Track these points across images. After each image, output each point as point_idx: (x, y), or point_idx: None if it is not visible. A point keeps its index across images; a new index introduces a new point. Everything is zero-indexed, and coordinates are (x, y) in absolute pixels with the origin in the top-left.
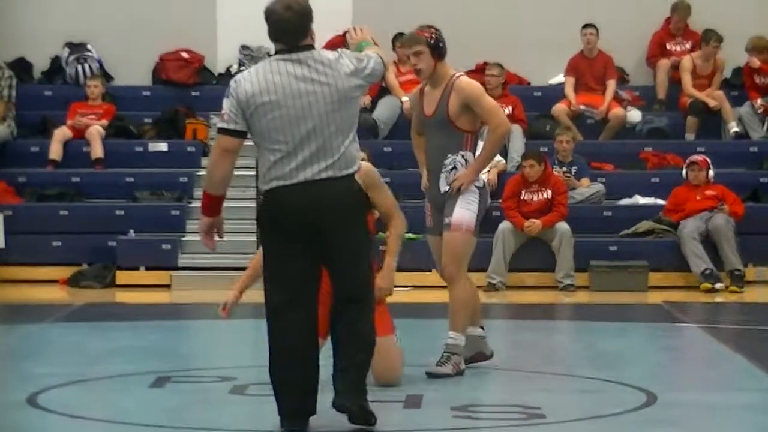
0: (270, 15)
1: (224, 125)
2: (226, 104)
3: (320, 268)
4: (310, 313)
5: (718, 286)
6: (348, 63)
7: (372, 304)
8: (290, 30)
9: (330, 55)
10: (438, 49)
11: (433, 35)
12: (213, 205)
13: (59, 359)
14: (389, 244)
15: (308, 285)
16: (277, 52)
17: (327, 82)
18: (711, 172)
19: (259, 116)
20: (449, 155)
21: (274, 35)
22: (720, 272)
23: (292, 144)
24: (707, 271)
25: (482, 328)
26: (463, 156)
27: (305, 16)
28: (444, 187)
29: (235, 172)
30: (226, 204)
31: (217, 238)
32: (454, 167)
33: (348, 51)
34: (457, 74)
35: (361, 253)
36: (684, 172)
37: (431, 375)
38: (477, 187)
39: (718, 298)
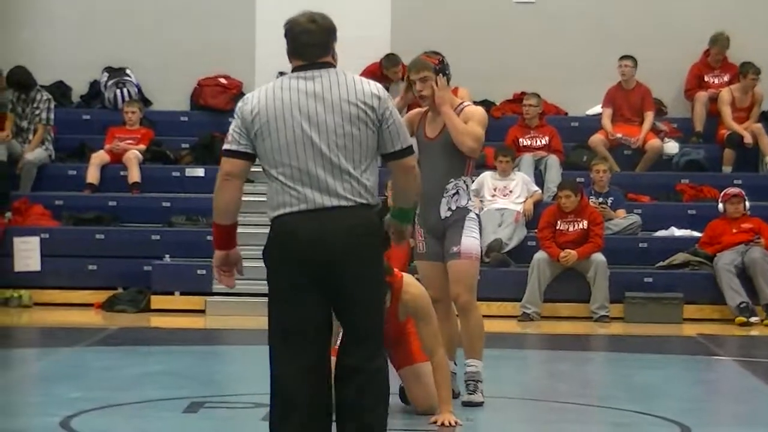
0: (292, 26)
1: (227, 146)
2: (232, 125)
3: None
4: (320, 361)
5: (753, 319)
6: (374, 96)
7: (382, 346)
8: (311, 43)
9: (356, 84)
10: (444, 76)
11: (440, 61)
12: (222, 237)
13: (93, 383)
14: (436, 384)
15: (318, 328)
16: (293, 70)
17: (338, 101)
18: (747, 204)
19: (264, 136)
20: (452, 180)
21: (293, 49)
22: (756, 306)
23: (297, 167)
24: (743, 305)
25: (455, 364)
26: (464, 181)
27: (329, 31)
28: (445, 213)
29: (266, 198)
30: (259, 230)
31: (236, 275)
32: (457, 192)
33: (386, 95)
34: (465, 103)
35: (373, 291)
36: (720, 205)
37: (468, 404)
38: (476, 213)
39: (754, 332)
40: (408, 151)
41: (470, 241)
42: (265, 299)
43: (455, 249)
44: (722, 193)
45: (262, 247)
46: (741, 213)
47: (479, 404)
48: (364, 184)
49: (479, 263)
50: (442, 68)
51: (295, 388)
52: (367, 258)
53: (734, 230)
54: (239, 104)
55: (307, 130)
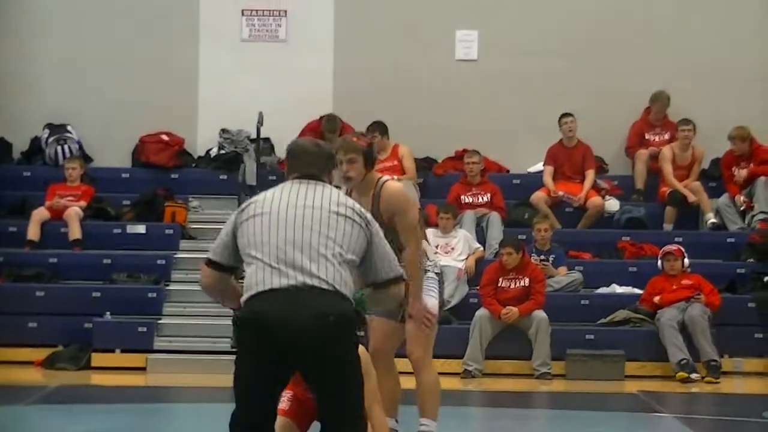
0: (295, 147)
1: (209, 255)
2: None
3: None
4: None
5: (694, 376)
6: (362, 210)
7: (362, 424)
8: (314, 163)
9: (347, 198)
10: (371, 159)
11: (369, 144)
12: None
13: None
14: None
15: (272, 401)
16: (293, 179)
17: (327, 202)
18: (686, 261)
19: (246, 227)
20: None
21: (294, 166)
22: (696, 363)
23: (276, 249)
24: (683, 361)
25: (397, 421)
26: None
27: (330, 158)
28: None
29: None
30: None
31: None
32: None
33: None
34: (384, 178)
35: (346, 379)
36: (659, 262)
37: None
38: (435, 273)
39: (695, 389)
40: (398, 281)
41: (427, 299)
42: (206, 357)
43: (411, 310)
44: (661, 251)
45: (210, 306)
46: (679, 270)
47: None
48: (330, 274)
49: (435, 320)
50: (370, 152)
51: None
52: (338, 346)
53: (674, 287)
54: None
55: (284, 218)
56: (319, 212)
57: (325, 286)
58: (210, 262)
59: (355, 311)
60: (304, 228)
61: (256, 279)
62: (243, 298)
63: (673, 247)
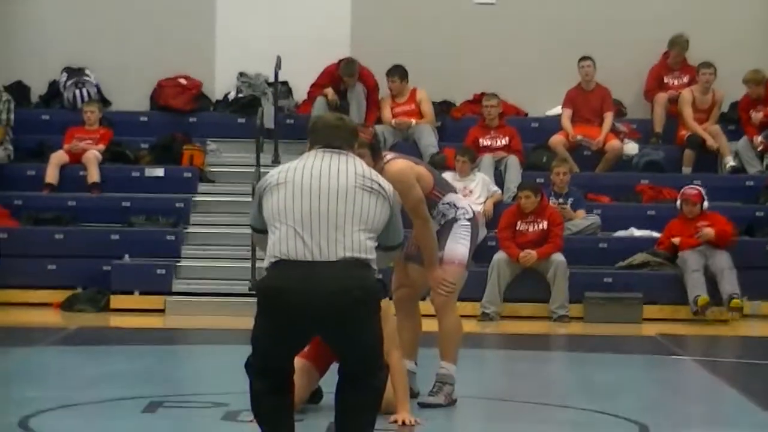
0: (318, 121)
1: (249, 221)
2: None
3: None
4: (289, 376)
5: (709, 311)
6: (386, 183)
7: (382, 374)
8: (338, 136)
9: (372, 170)
10: (377, 150)
11: (374, 136)
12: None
13: (52, 383)
14: (392, 384)
15: (290, 359)
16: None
17: (350, 172)
18: (705, 204)
19: (270, 195)
20: (431, 211)
21: (317, 139)
22: (718, 306)
23: (300, 219)
24: (697, 297)
25: (416, 363)
26: (442, 204)
27: (353, 132)
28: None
29: (231, 199)
30: (219, 230)
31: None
32: (443, 214)
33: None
34: (386, 159)
35: (368, 340)
36: (678, 203)
37: (423, 405)
38: (467, 219)
39: (713, 331)
40: (398, 248)
41: (454, 246)
42: (224, 300)
43: (440, 254)
44: (681, 192)
45: (228, 248)
46: (697, 214)
47: (435, 406)
48: (355, 244)
49: (464, 269)
50: (376, 144)
51: (274, 422)
52: (362, 316)
53: (692, 231)
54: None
55: (310, 188)
56: (345, 182)
57: (347, 256)
58: (252, 227)
59: (379, 281)
60: (329, 198)
61: (279, 248)
62: (264, 264)
63: (692, 191)
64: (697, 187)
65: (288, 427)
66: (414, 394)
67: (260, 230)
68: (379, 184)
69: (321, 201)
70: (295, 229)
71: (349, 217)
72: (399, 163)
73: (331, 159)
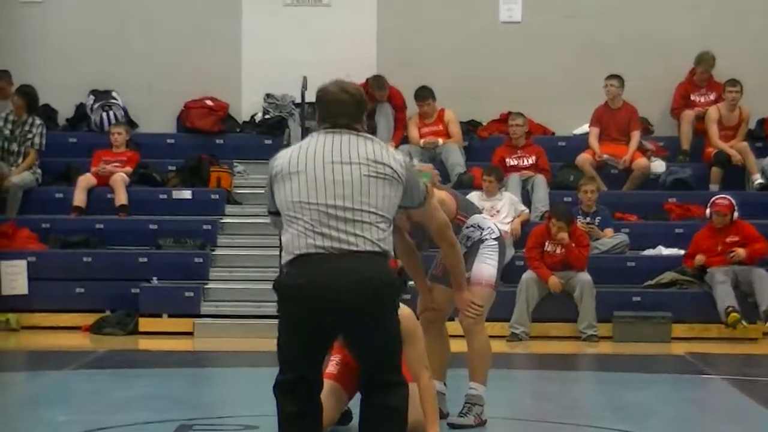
0: (324, 94)
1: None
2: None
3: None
4: (317, 394)
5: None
6: (395, 160)
7: (404, 388)
8: (345, 112)
9: (381, 148)
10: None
11: None
12: None
13: (81, 407)
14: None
15: (317, 366)
16: (325, 129)
17: (359, 155)
18: (736, 215)
19: (284, 181)
20: (456, 235)
21: (324, 115)
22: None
23: (316, 211)
24: (729, 308)
25: (445, 384)
26: (466, 228)
27: (361, 102)
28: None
29: (258, 221)
30: (247, 252)
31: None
32: (468, 237)
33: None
34: None
35: (388, 340)
36: (708, 211)
37: (453, 426)
38: (494, 239)
39: (744, 350)
40: (421, 204)
41: (481, 267)
42: (252, 322)
43: (467, 275)
44: (711, 202)
45: (255, 270)
46: (727, 224)
47: (465, 426)
48: (368, 235)
49: (492, 289)
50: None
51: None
52: (381, 312)
53: (719, 247)
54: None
55: (324, 177)
56: (358, 173)
57: (366, 249)
58: (269, 211)
59: (398, 274)
60: (344, 192)
61: (297, 243)
62: (283, 261)
63: (723, 201)
64: (727, 197)
65: None
66: (443, 415)
67: (275, 212)
68: (391, 167)
69: (336, 194)
70: (312, 224)
71: (365, 209)
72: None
73: (341, 143)
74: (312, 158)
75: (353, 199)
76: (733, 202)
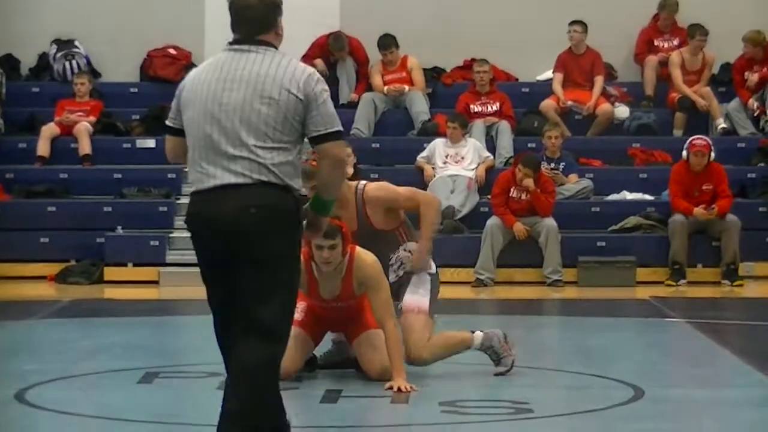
0: (232, 1)
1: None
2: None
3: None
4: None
5: (681, 282)
6: (295, 79)
7: (280, 348)
8: (252, 19)
9: (291, 63)
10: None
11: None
12: None
13: (47, 356)
14: (388, 351)
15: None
16: (230, 43)
17: (257, 77)
18: (713, 155)
19: (185, 109)
20: (390, 255)
21: (232, 23)
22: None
23: (203, 142)
24: (676, 266)
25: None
26: (404, 249)
27: (272, 7)
28: (393, 279)
29: None
30: None
31: None
32: (401, 263)
33: (319, 82)
34: (360, 185)
35: (272, 279)
36: (685, 153)
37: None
38: (429, 273)
39: (706, 294)
40: (332, 136)
41: (411, 297)
42: None
43: (399, 306)
44: (689, 142)
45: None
46: (703, 167)
47: (506, 368)
48: (266, 164)
49: (427, 316)
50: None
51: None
52: (263, 241)
53: (696, 192)
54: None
55: (215, 106)
56: (249, 94)
57: (251, 181)
58: (167, 128)
59: (292, 204)
60: (233, 119)
61: (193, 177)
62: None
63: (701, 143)
64: (705, 138)
65: None
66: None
67: (177, 131)
68: (287, 88)
69: (223, 124)
70: (202, 157)
71: (252, 139)
72: (374, 185)
73: (238, 63)
74: (206, 85)
75: (241, 126)
76: (710, 142)
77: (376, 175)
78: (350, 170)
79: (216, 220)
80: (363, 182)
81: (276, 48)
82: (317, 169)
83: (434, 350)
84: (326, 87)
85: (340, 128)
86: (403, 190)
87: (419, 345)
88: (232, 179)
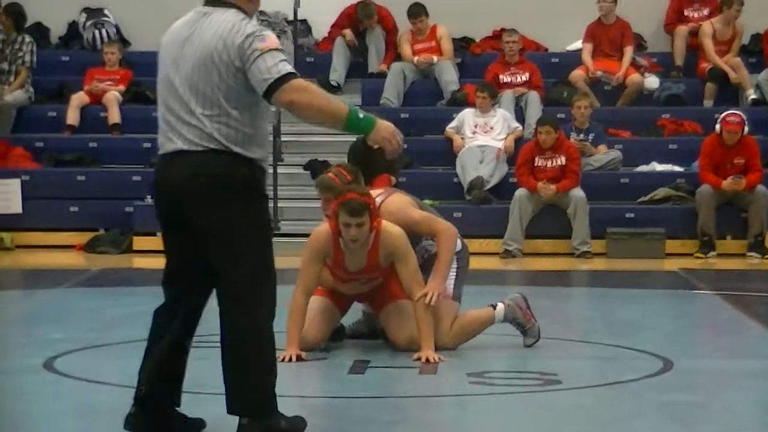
0: None
1: None
2: None
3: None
4: (183, 313)
5: (710, 255)
6: (237, 39)
7: (261, 313)
8: None
9: (242, 21)
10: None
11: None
12: None
13: (76, 324)
14: (417, 322)
15: (187, 284)
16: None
17: (203, 41)
18: (746, 130)
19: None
20: (414, 247)
21: None
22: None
23: (162, 108)
24: (705, 237)
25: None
26: (428, 239)
27: None
28: (419, 262)
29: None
30: None
31: None
32: (426, 250)
33: (254, 39)
34: (380, 198)
35: (227, 245)
36: (718, 126)
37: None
38: (456, 254)
39: (737, 266)
40: (274, 86)
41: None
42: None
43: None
44: (722, 118)
45: None
46: (735, 142)
47: (533, 340)
48: (213, 132)
49: (450, 298)
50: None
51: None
52: (213, 210)
53: (728, 165)
54: None
55: (172, 70)
56: (193, 62)
57: (201, 149)
58: None
59: (246, 172)
60: (184, 85)
61: (158, 140)
62: None
63: (734, 119)
64: (738, 113)
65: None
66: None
67: None
68: (227, 48)
69: (178, 88)
70: (162, 121)
71: (197, 104)
72: (391, 202)
73: (195, 26)
74: (168, 47)
75: (191, 90)
76: (744, 117)
77: (406, 146)
78: None
79: (169, 185)
80: (382, 196)
81: (241, 9)
82: (335, 181)
83: (457, 337)
84: (265, 38)
85: (283, 72)
86: (419, 216)
87: (443, 333)
88: (185, 146)
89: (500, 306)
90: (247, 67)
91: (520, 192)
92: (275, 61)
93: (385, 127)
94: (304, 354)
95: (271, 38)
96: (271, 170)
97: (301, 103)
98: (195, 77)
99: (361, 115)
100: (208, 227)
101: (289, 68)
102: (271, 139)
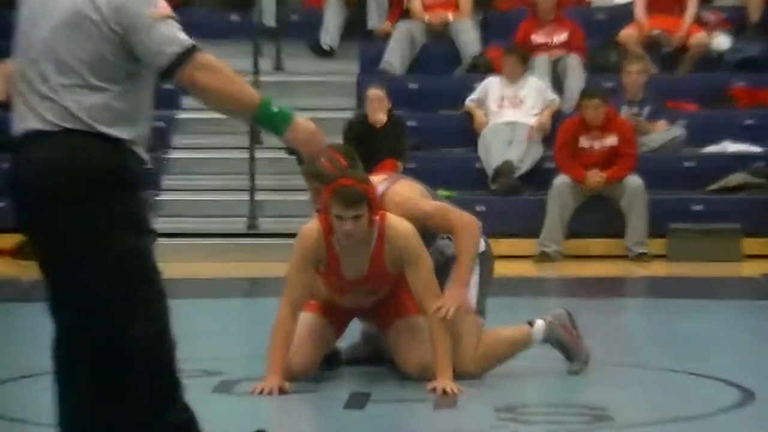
0: None
1: None
2: None
3: None
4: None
5: None
6: (123, 9)
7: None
8: None
9: None
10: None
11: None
12: None
13: (5, 348)
14: (433, 341)
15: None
16: None
17: (73, 1)
18: None
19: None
20: (428, 247)
21: None
22: None
23: (19, 77)
24: None
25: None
26: (444, 238)
27: None
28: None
29: (221, 115)
30: (210, 154)
31: None
32: (441, 252)
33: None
34: (382, 185)
35: (84, 243)
36: None
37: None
38: (480, 254)
39: None
40: (179, 59)
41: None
42: (217, 241)
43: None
44: None
45: (223, 177)
46: None
47: (579, 366)
48: (71, 107)
49: (474, 314)
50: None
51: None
52: (68, 207)
53: None
54: None
55: (33, 30)
56: (61, 23)
57: (56, 129)
58: None
59: (112, 157)
60: (41, 51)
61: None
62: None
63: None
64: None
65: None
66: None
67: None
68: (105, 9)
69: (32, 53)
70: (18, 89)
71: (54, 73)
72: (397, 191)
73: None
74: (29, 3)
75: (47, 61)
76: None
77: (414, 123)
78: (383, 117)
79: (18, 177)
80: (385, 183)
81: None
82: (328, 168)
83: (483, 362)
84: (156, 2)
85: (186, 45)
86: (431, 207)
87: (465, 357)
88: (39, 125)
89: (539, 323)
90: (132, 36)
91: (561, 180)
92: (173, 31)
93: (304, 126)
94: (287, 384)
95: (162, 2)
96: (246, 155)
97: (209, 85)
98: (54, 42)
99: (275, 109)
100: (62, 230)
101: (190, 41)
102: None
